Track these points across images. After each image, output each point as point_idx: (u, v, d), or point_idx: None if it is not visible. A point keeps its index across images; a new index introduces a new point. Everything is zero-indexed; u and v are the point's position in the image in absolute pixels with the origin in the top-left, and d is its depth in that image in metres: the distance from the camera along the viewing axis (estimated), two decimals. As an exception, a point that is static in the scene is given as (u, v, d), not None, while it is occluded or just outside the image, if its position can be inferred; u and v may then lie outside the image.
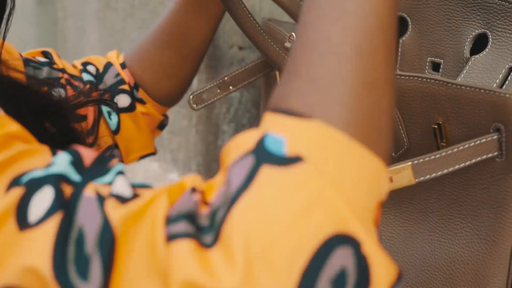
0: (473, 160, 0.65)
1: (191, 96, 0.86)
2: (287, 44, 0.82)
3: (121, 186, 0.42)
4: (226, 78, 0.87)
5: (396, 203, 0.78)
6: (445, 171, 0.65)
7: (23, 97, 0.50)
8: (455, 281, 0.71)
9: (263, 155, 0.39)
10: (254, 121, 1.15)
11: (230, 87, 0.87)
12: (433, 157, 0.64)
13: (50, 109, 0.53)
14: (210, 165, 1.13)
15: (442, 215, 0.73)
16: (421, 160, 0.64)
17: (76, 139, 0.55)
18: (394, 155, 0.75)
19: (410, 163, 0.64)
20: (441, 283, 0.72)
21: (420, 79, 0.69)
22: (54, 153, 0.43)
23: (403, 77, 0.70)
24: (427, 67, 0.80)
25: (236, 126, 1.14)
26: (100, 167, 0.43)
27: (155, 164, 1.23)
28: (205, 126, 1.11)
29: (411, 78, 0.69)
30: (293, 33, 0.82)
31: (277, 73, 0.89)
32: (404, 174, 0.65)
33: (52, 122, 0.53)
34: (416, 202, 0.76)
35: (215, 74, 1.10)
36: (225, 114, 1.13)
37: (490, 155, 0.65)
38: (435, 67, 0.79)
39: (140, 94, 0.81)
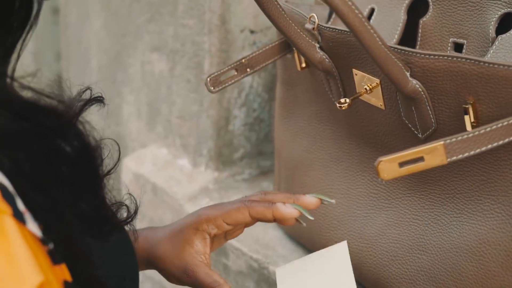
0: (506, 140, 0.64)
1: (208, 79, 0.84)
2: (308, 26, 0.81)
3: None
4: (243, 61, 0.86)
5: (421, 185, 0.77)
6: (478, 150, 0.64)
7: (36, 117, 0.48)
8: (486, 263, 0.70)
9: None
10: (265, 106, 1.14)
11: (248, 70, 0.86)
12: (465, 136, 0.63)
13: (65, 127, 0.51)
14: (221, 150, 1.12)
15: (470, 196, 0.72)
16: (454, 139, 0.63)
17: (93, 156, 0.53)
18: (421, 136, 0.74)
19: (442, 142, 0.63)
20: (470, 265, 0.71)
21: (450, 58, 0.68)
22: None
23: (431, 56, 0.69)
24: (449, 48, 0.79)
25: (247, 111, 1.13)
26: None
27: (164, 150, 1.21)
28: (216, 110, 1.10)
29: (441, 57, 0.68)
30: (314, 14, 0.81)
31: (295, 55, 0.87)
32: (436, 154, 0.64)
33: (68, 141, 0.51)
34: (442, 184, 0.75)
35: (227, 58, 1.08)
36: (236, 98, 1.11)
37: (523, 134, 0.64)
38: (458, 48, 0.78)
39: None
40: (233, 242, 1.00)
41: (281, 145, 0.95)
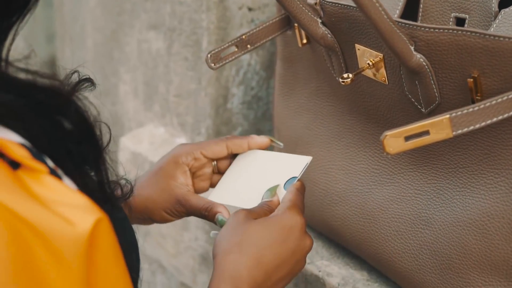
0: (511, 113, 0.64)
1: (209, 55, 0.84)
2: (310, 0, 0.81)
3: None
4: (244, 37, 0.85)
5: (423, 159, 0.77)
6: (483, 123, 0.64)
7: (35, 97, 0.49)
8: (490, 236, 0.70)
9: None
10: (263, 84, 1.13)
11: (248, 46, 0.86)
12: (471, 109, 0.63)
13: (65, 105, 0.52)
14: (219, 128, 1.12)
15: (473, 170, 0.72)
16: (459, 112, 0.63)
17: (93, 132, 0.54)
18: (424, 110, 0.74)
19: (448, 115, 0.63)
20: (474, 238, 0.72)
21: (455, 31, 0.68)
22: None
23: (436, 30, 0.69)
24: (451, 23, 0.78)
25: (245, 89, 1.12)
26: None
27: (161, 129, 1.21)
28: (214, 88, 1.10)
29: (445, 31, 0.68)
30: (315, -11, 0.80)
31: (296, 31, 0.87)
32: (442, 127, 0.64)
33: (68, 118, 0.51)
34: (445, 158, 0.75)
35: (225, 35, 1.08)
36: (234, 76, 1.11)
37: (528, 107, 0.64)
38: (459, 23, 0.78)
39: None
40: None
41: (281, 123, 0.95)
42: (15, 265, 0.43)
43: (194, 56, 1.11)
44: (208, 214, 0.77)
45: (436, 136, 0.64)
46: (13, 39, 0.51)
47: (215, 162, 0.82)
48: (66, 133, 0.50)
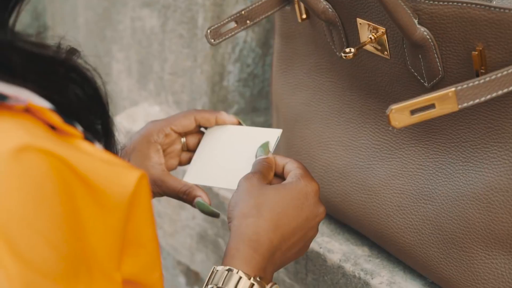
0: (516, 85, 0.64)
1: (208, 31, 0.83)
2: (310, -26, 0.80)
3: None
4: (243, 12, 0.84)
5: (425, 134, 0.77)
6: (488, 96, 0.64)
7: (44, 66, 0.49)
8: (493, 210, 0.70)
9: None
10: (259, 61, 1.13)
11: (248, 21, 0.85)
12: (477, 82, 0.63)
13: (78, 75, 0.52)
14: (215, 106, 1.11)
15: (477, 144, 0.72)
16: (465, 85, 0.63)
17: (102, 99, 0.54)
18: (427, 85, 0.74)
19: (453, 88, 0.63)
20: (478, 212, 0.72)
21: (459, 4, 0.67)
22: None
23: (440, 2, 0.68)
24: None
25: (241, 66, 1.11)
26: None
27: (156, 108, 1.20)
28: (210, 66, 1.09)
29: (449, 3, 0.68)
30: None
31: (295, 6, 0.86)
32: (447, 101, 0.63)
33: (82, 89, 0.52)
34: (448, 133, 0.75)
35: (221, 12, 1.07)
36: (230, 53, 1.10)
37: (533, 79, 0.64)
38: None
39: None
40: (228, 196, 0.99)
41: (279, 99, 0.94)
42: (66, 217, 0.44)
43: (190, 33, 1.10)
44: (187, 198, 0.77)
45: (442, 109, 0.63)
46: (18, 12, 0.50)
47: (184, 139, 0.82)
48: (79, 100, 0.50)
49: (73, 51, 0.53)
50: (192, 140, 0.82)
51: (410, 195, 0.78)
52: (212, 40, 0.83)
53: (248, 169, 0.76)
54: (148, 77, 1.21)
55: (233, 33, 0.84)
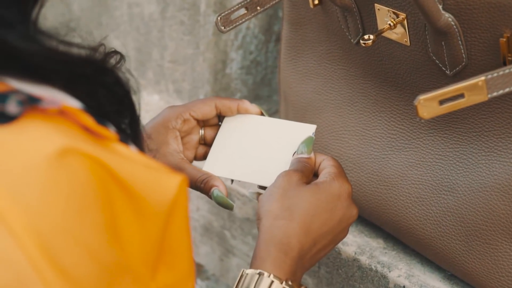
0: (547, 73, 0.62)
1: (218, 18, 0.80)
2: (324, -41, 0.77)
3: None
4: (253, -2, 0.81)
5: (444, 123, 0.75)
6: (519, 85, 0.61)
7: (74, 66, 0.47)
8: (519, 201, 0.68)
9: None
10: (262, 48, 1.10)
11: (258, 8, 0.82)
12: (507, 70, 0.61)
13: (111, 78, 0.50)
14: (218, 94, 1.08)
15: (501, 133, 0.70)
16: (495, 74, 0.61)
17: (133, 103, 0.52)
18: (449, 72, 0.71)
19: (483, 78, 0.61)
20: (502, 204, 0.70)
21: (486, -11, 0.65)
22: None
23: (466, -12, 0.66)
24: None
25: (244, 53, 1.08)
26: None
27: (156, 97, 1.17)
28: (213, 53, 1.06)
29: (476, -12, 0.65)
30: None
31: (307, -9, 0.83)
32: (477, 90, 0.61)
33: (113, 92, 0.50)
34: (469, 122, 0.73)
35: (224, -3, 1.04)
36: (233, 40, 1.07)
37: None
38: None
39: None
40: (238, 188, 0.97)
41: (288, 88, 0.92)
42: (107, 226, 0.42)
43: (191, 19, 1.06)
44: (204, 187, 0.74)
45: (471, 99, 0.61)
46: (42, 3, 0.47)
47: (202, 131, 0.79)
48: (109, 102, 0.47)
49: (110, 54, 0.50)
50: (210, 133, 0.79)
51: (429, 186, 0.76)
52: (223, 28, 0.80)
53: (275, 163, 0.73)
54: (146, 65, 1.17)
55: (243, 19, 0.81)
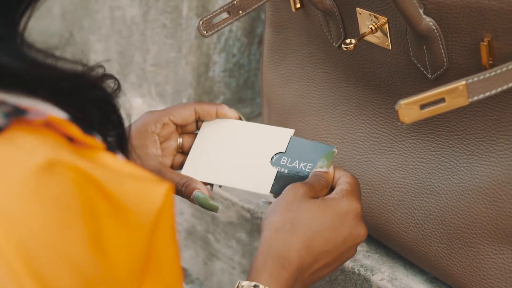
0: (527, 77, 0.62)
1: (200, 22, 0.80)
2: (306, -37, 0.77)
3: None
4: (235, 2, 0.81)
5: (426, 127, 0.75)
6: (499, 89, 0.62)
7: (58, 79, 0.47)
8: (500, 204, 0.69)
9: None
10: (245, 51, 1.10)
11: (240, 12, 0.82)
12: (488, 75, 0.61)
13: (97, 92, 0.50)
14: (201, 98, 1.08)
15: (482, 136, 0.70)
16: (476, 78, 0.61)
17: (115, 105, 0.52)
18: (431, 76, 0.72)
19: (464, 82, 0.61)
20: (484, 207, 0.70)
21: (467, -7, 0.65)
22: None
23: (446, -8, 0.66)
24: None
25: (227, 56, 1.08)
26: None
27: (138, 100, 1.16)
28: (196, 56, 1.06)
29: (456, -7, 0.65)
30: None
31: (289, -5, 0.83)
32: (458, 94, 0.61)
33: (100, 105, 0.50)
34: (450, 125, 0.73)
35: (206, 1, 1.03)
36: (215, 43, 1.07)
37: (544, 71, 0.62)
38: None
39: None
40: (221, 192, 0.97)
41: (270, 91, 0.92)
42: (91, 238, 0.41)
43: (173, 23, 1.06)
44: (185, 190, 0.73)
45: (452, 103, 0.62)
46: (30, 15, 0.46)
47: (180, 140, 0.79)
48: (95, 113, 0.47)
49: (94, 67, 0.50)
50: (188, 141, 0.78)
51: (411, 189, 0.76)
52: (205, 32, 0.80)
53: (253, 168, 0.73)
54: (129, 69, 1.17)
55: (225, 23, 0.81)
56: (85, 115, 0.46)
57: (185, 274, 1.11)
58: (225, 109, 0.78)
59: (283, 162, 0.74)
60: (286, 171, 0.73)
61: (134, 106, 1.16)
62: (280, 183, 0.72)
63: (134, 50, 1.15)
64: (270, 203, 0.71)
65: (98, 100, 0.48)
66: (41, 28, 1.34)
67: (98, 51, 1.23)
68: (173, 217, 0.46)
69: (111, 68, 1.20)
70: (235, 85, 1.11)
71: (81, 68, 0.47)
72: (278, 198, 0.67)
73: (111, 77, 0.54)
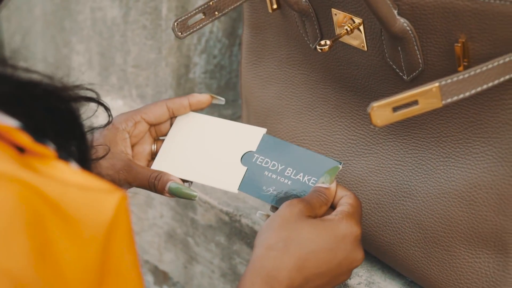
0: (501, 79, 0.61)
1: (175, 23, 0.79)
2: (281, -37, 0.76)
3: None
4: (211, 3, 0.80)
5: (403, 129, 0.74)
6: (473, 91, 0.61)
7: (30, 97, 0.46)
8: (477, 207, 0.68)
9: None
10: (226, 52, 1.09)
11: (216, 13, 0.81)
12: (461, 76, 0.60)
13: (52, 99, 0.48)
14: (181, 100, 1.07)
15: (458, 139, 0.70)
16: (449, 80, 0.60)
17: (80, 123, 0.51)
18: (406, 78, 0.71)
19: (437, 84, 0.60)
20: (460, 210, 0.69)
21: (441, -6, 0.64)
22: None
23: (420, -7, 0.65)
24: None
25: (208, 58, 1.07)
26: None
27: (120, 102, 1.15)
28: (176, 58, 1.05)
29: (430, -7, 0.65)
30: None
31: (266, -4, 0.82)
32: (431, 96, 0.60)
33: (54, 112, 0.48)
34: (427, 127, 0.72)
35: (185, 1, 1.02)
36: (196, 45, 1.06)
37: (518, 73, 0.62)
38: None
39: None
40: (200, 195, 0.96)
41: (249, 93, 0.91)
42: (36, 253, 0.40)
43: (153, 24, 1.05)
44: (158, 183, 0.71)
45: (425, 106, 0.61)
46: None
47: (154, 146, 0.77)
48: (50, 121, 0.46)
49: (48, 76, 0.49)
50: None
51: (388, 192, 0.76)
52: (180, 33, 0.79)
53: (223, 165, 0.72)
54: (110, 70, 1.16)
55: (201, 25, 0.80)
56: (38, 124, 0.45)
57: (166, 277, 1.10)
58: (197, 96, 0.76)
59: (287, 173, 0.71)
60: (289, 182, 0.71)
61: (115, 108, 1.15)
62: (281, 195, 0.70)
63: (115, 52, 1.14)
64: (268, 216, 0.69)
65: (55, 109, 0.47)
66: (24, 29, 1.33)
67: (79, 52, 1.22)
68: (129, 226, 0.45)
69: (93, 69, 1.20)
70: (216, 86, 1.10)
71: (36, 77, 0.46)
72: (274, 214, 0.65)
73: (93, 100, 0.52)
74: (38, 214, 0.40)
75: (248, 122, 0.92)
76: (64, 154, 0.45)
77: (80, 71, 1.22)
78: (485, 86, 0.61)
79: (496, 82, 0.61)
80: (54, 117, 0.46)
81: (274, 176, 0.71)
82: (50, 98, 0.46)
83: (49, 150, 0.44)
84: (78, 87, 0.53)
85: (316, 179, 0.70)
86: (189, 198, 0.71)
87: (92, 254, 0.42)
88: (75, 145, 0.48)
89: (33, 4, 1.29)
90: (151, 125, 0.76)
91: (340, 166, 0.70)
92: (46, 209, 0.41)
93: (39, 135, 0.44)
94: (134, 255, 0.46)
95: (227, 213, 0.92)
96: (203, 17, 0.80)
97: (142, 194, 1.05)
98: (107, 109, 0.67)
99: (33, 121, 0.44)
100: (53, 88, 0.47)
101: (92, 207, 0.42)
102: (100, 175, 0.73)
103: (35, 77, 0.46)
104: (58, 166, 0.44)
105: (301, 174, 0.71)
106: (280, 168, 0.72)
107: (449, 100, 0.61)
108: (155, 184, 0.72)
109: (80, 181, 0.43)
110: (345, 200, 0.67)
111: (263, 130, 0.75)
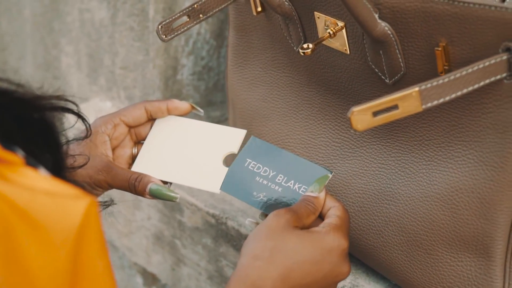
0: (481, 83, 0.61)
1: (159, 26, 0.78)
2: (265, -34, 0.76)
3: None
4: (195, 6, 0.80)
5: (387, 132, 0.74)
6: (453, 95, 0.61)
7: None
8: (458, 211, 0.68)
9: None
10: (214, 53, 1.09)
11: (201, 15, 0.81)
12: (441, 81, 0.60)
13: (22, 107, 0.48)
14: (169, 101, 1.07)
15: (440, 142, 0.70)
16: (429, 85, 0.60)
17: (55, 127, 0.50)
18: (389, 81, 0.71)
19: (417, 88, 0.60)
20: (442, 214, 0.69)
21: (421, -2, 0.64)
22: None
23: (401, -4, 0.65)
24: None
25: (195, 59, 1.07)
26: None
27: (108, 103, 1.15)
28: (163, 60, 1.04)
29: (411, -3, 0.65)
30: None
31: (250, -2, 0.82)
32: (411, 101, 0.60)
33: (22, 120, 0.48)
34: (410, 131, 0.72)
35: (172, 3, 1.02)
36: (183, 46, 1.06)
37: (498, 77, 0.62)
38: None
39: None
40: (187, 197, 0.96)
41: (235, 95, 0.91)
42: (3, 260, 0.41)
43: (140, 25, 1.05)
44: (138, 185, 0.71)
45: (405, 110, 0.60)
46: None
47: (135, 150, 0.77)
48: (20, 128, 0.46)
49: (19, 85, 0.49)
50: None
51: (372, 196, 0.76)
52: (164, 36, 0.79)
53: (203, 166, 0.72)
54: (98, 71, 1.16)
55: (185, 28, 0.80)
56: (6, 132, 0.45)
57: (155, 279, 1.10)
58: (175, 103, 0.76)
59: (279, 180, 0.71)
60: (280, 189, 0.71)
61: (103, 109, 1.15)
62: (271, 202, 0.70)
63: (103, 53, 1.14)
64: (257, 223, 0.68)
65: (27, 118, 0.47)
66: (13, 30, 1.33)
67: (68, 54, 1.22)
68: (100, 231, 0.45)
69: (81, 71, 1.19)
70: (204, 88, 1.10)
71: (5, 85, 0.46)
72: (261, 224, 0.65)
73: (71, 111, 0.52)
74: (5, 221, 0.40)
75: (234, 124, 0.92)
76: (33, 160, 0.45)
77: (69, 72, 1.22)
78: (465, 90, 0.61)
79: (476, 86, 0.61)
80: (25, 125, 0.46)
81: (265, 182, 0.71)
82: (21, 107, 0.46)
83: (17, 157, 0.44)
84: (58, 97, 0.53)
85: (306, 187, 0.70)
86: (170, 199, 0.71)
87: (62, 259, 0.42)
88: (50, 152, 0.48)
89: (23, 5, 1.29)
90: (130, 127, 0.76)
91: (330, 175, 0.70)
92: (14, 216, 0.41)
93: (8, 142, 0.44)
94: (106, 259, 0.46)
95: (213, 216, 0.92)
96: (188, 19, 0.80)
97: (130, 196, 1.05)
98: (84, 121, 0.67)
99: (1, 129, 0.44)
100: (23, 97, 0.47)
101: (60, 213, 0.42)
102: (79, 178, 0.73)
103: (4, 85, 0.46)
104: (26, 173, 0.44)
105: (292, 181, 0.71)
106: (271, 174, 0.72)
107: (429, 105, 0.61)
108: (135, 185, 0.72)
109: (48, 188, 0.43)
110: (333, 212, 0.67)
111: (243, 132, 0.75)
